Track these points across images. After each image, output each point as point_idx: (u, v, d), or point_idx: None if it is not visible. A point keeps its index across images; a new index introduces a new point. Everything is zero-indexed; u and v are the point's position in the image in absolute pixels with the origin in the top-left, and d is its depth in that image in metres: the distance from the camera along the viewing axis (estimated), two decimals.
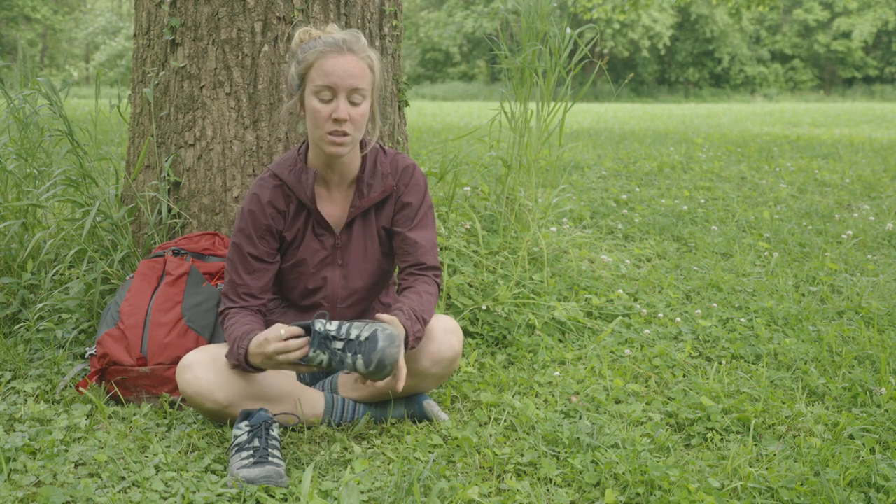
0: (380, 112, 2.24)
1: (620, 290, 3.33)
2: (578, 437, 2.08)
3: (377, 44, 2.97)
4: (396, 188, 2.28)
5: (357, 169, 2.26)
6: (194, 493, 1.82)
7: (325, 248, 2.27)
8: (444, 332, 2.20)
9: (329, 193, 2.27)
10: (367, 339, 1.95)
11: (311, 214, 2.25)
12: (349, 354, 1.95)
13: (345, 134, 2.11)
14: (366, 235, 2.29)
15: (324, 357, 1.96)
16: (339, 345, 1.96)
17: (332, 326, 1.96)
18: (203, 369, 2.10)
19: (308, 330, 1.99)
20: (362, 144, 2.26)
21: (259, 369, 2.10)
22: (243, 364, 2.08)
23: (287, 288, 2.33)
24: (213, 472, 1.96)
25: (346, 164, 2.23)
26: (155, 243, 2.81)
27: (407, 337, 2.07)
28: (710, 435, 2.20)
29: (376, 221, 2.29)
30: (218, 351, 2.16)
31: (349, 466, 1.98)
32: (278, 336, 1.98)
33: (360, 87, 2.11)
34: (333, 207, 2.27)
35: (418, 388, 2.26)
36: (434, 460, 2.02)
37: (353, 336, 1.95)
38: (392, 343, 1.95)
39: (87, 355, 2.44)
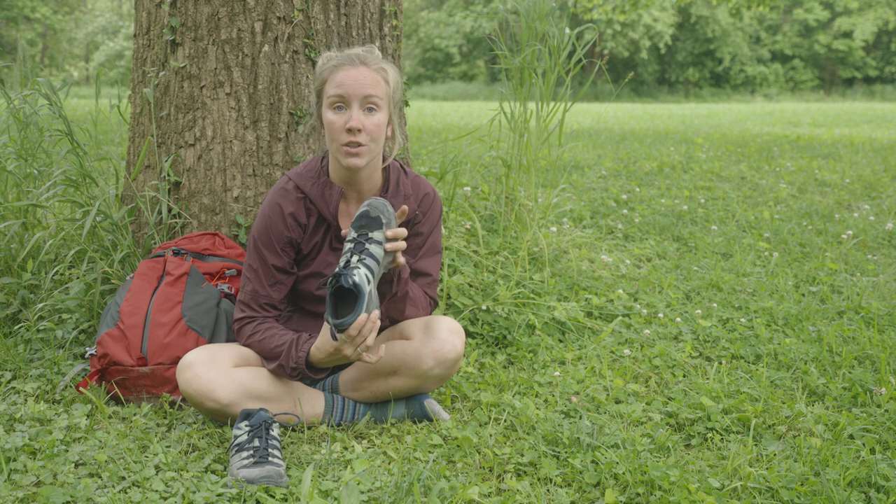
0: (399, 126, 2.24)
1: (620, 290, 3.33)
2: (578, 437, 2.08)
3: (377, 44, 2.97)
4: (416, 215, 2.32)
5: (376, 184, 2.28)
6: (194, 493, 1.82)
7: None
8: (449, 333, 2.20)
9: (348, 208, 2.29)
10: (358, 226, 2.02)
11: (329, 229, 2.27)
12: (366, 245, 1.99)
13: (360, 144, 2.12)
14: None
15: (371, 265, 1.98)
16: (357, 248, 2.00)
17: (345, 250, 2.02)
18: (203, 368, 2.10)
19: (335, 307, 2.01)
20: (382, 159, 2.27)
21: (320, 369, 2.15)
22: (304, 369, 2.12)
23: (296, 294, 2.33)
24: (213, 472, 1.96)
25: (365, 178, 2.24)
26: (155, 243, 2.81)
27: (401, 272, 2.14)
28: (710, 435, 2.20)
29: None
30: (218, 350, 2.17)
31: (349, 466, 1.98)
32: (341, 343, 2.01)
33: (372, 95, 2.12)
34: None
35: (420, 389, 2.26)
36: (434, 460, 2.02)
37: (351, 244, 2.01)
38: (369, 203, 2.05)
39: (87, 355, 2.44)
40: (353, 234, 2.03)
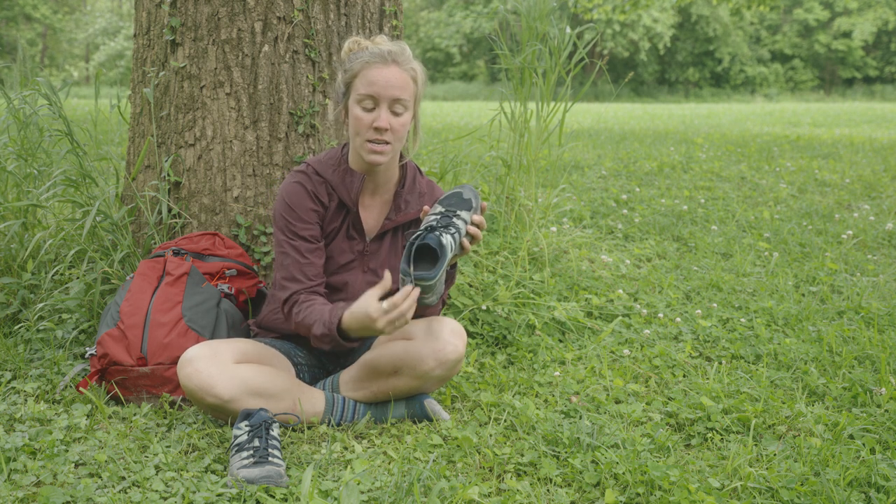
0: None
1: (620, 290, 3.33)
2: (578, 437, 2.08)
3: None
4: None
5: (393, 180, 2.31)
6: (194, 493, 1.82)
7: (353, 252, 2.30)
8: (450, 334, 2.21)
9: (363, 199, 2.32)
10: (447, 204, 2.07)
11: (348, 216, 2.29)
12: (454, 219, 2.03)
13: (385, 143, 2.16)
14: (392, 249, 2.34)
15: (451, 239, 2.01)
16: (443, 221, 2.03)
17: (428, 220, 2.04)
18: (204, 363, 2.10)
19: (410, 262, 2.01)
20: (400, 156, 2.31)
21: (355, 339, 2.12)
22: (335, 336, 2.07)
23: None
24: (213, 472, 1.96)
25: (383, 172, 2.28)
26: (155, 243, 2.81)
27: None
28: (710, 435, 2.20)
29: (402, 239, 2.35)
30: (219, 346, 2.17)
31: (349, 466, 1.98)
32: (381, 310, 1.97)
33: (402, 98, 2.16)
34: (367, 214, 2.32)
35: (421, 389, 2.27)
36: (434, 460, 2.02)
37: (437, 216, 2.04)
38: (463, 186, 2.11)
39: (87, 355, 2.44)
40: (440, 209, 2.07)
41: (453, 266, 2.23)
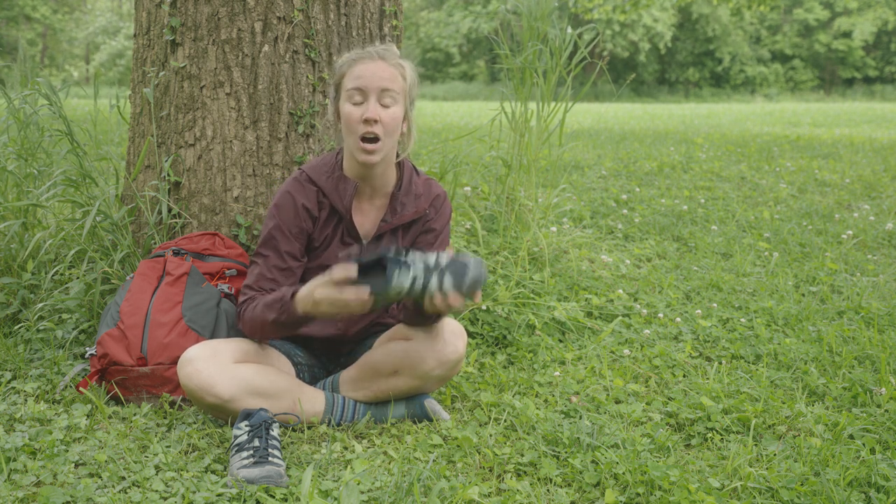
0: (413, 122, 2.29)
1: (620, 290, 3.34)
2: (578, 437, 2.08)
3: (377, 44, 2.97)
4: (427, 213, 2.33)
5: (390, 183, 2.30)
6: (194, 493, 1.82)
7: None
8: (451, 335, 2.21)
9: (360, 204, 2.31)
10: (450, 263, 1.97)
11: (341, 222, 2.28)
12: (434, 276, 1.95)
13: (376, 139, 2.15)
14: None
15: (405, 282, 1.94)
16: (419, 267, 1.96)
17: (406, 256, 1.97)
18: (204, 363, 2.10)
19: (366, 265, 1.97)
20: (396, 154, 2.29)
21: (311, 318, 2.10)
22: (290, 309, 2.07)
23: None
24: (213, 472, 1.96)
25: (379, 175, 2.26)
26: (155, 243, 2.81)
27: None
28: (710, 435, 2.20)
29: (401, 240, 2.34)
30: (219, 345, 2.17)
31: (349, 466, 1.98)
32: (330, 280, 1.96)
33: (390, 89, 2.15)
34: (363, 218, 2.31)
35: (421, 389, 2.27)
36: (434, 460, 2.02)
37: (430, 262, 1.97)
38: (480, 265, 1.99)
39: (87, 355, 2.44)
40: (443, 263, 1.98)
41: (434, 317, 2.17)
